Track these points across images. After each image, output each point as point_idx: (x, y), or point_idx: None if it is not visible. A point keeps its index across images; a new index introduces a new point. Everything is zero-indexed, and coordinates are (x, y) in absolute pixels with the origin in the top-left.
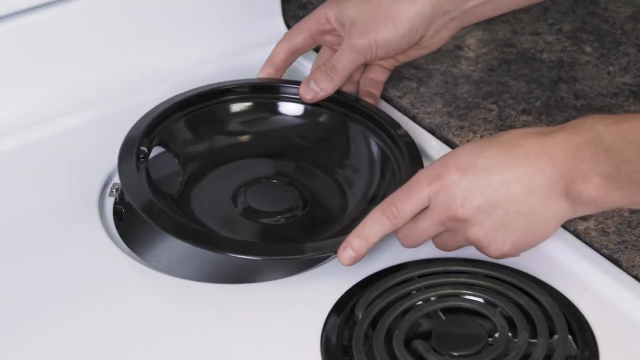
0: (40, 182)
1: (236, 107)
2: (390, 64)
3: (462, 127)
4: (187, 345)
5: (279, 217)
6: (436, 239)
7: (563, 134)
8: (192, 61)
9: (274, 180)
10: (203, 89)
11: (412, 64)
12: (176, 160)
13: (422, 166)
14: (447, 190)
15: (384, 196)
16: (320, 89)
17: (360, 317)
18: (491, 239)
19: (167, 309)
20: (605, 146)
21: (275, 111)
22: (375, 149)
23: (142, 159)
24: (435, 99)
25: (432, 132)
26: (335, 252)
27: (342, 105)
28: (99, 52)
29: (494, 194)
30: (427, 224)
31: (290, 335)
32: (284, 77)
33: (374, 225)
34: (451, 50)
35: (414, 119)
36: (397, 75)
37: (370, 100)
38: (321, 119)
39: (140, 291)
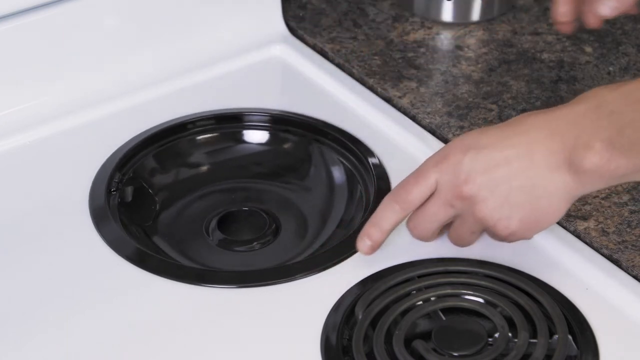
0: (37, 182)
1: (202, 139)
2: None
3: (462, 127)
4: (186, 346)
5: (252, 244)
6: (450, 233)
7: (567, 106)
8: (192, 61)
9: (245, 208)
10: (169, 124)
11: (412, 64)
12: (150, 191)
13: (389, 187)
14: (451, 169)
15: (352, 219)
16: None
17: (360, 317)
18: (497, 216)
19: (165, 311)
20: (610, 109)
21: (240, 140)
22: (343, 172)
23: (113, 191)
24: (435, 99)
25: (432, 132)
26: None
27: (311, 131)
28: (97, 53)
29: (496, 170)
30: (435, 207)
31: (290, 335)
32: (251, 106)
33: (385, 212)
34: (451, 50)
35: (414, 119)
36: (397, 75)
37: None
38: (286, 146)
39: (136, 293)
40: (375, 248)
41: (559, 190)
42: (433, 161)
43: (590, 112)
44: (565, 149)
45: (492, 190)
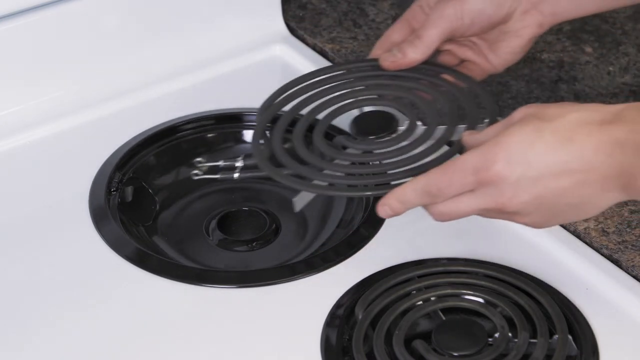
0: (37, 182)
1: (203, 138)
2: (482, 60)
3: None
4: (186, 346)
5: (252, 244)
6: (450, 210)
7: (622, 130)
8: (192, 62)
9: (245, 208)
10: (169, 124)
11: None
12: (150, 191)
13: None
14: (494, 184)
15: (352, 219)
16: (401, 55)
17: (360, 317)
18: (538, 224)
19: (165, 311)
20: None
21: (240, 140)
22: None
23: (113, 192)
24: None
25: None
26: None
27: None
28: (97, 53)
29: (543, 190)
30: (470, 209)
31: (291, 335)
32: (251, 106)
33: (414, 195)
34: None
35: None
36: None
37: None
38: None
39: (136, 294)
40: (393, 216)
41: (607, 204)
42: (473, 167)
43: None
44: (622, 176)
45: (538, 207)
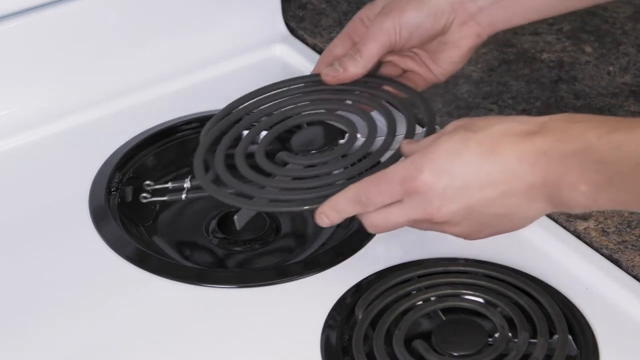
0: (37, 182)
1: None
2: (424, 70)
3: None
4: (187, 346)
5: (252, 244)
6: (382, 220)
7: (547, 139)
8: (193, 61)
9: None
10: (169, 124)
11: None
12: (149, 191)
13: None
14: (422, 194)
15: (352, 219)
16: (342, 69)
17: (360, 317)
18: (468, 235)
19: (165, 311)
20: (597, 157)
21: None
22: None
23: (113, 192)
24: (435, 99)
25: None
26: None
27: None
28: (97, 53)
29: (470, 200)
30: (400, 220)
31: (291, 335)
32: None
33: (346, 204)
34: None
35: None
36: None
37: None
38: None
39: (136, 294)
40: (332, 225)
41: (536, 215)
42: (399, 178)
43: (575, 155)
44: (546, 185)
45: (466, 217)
